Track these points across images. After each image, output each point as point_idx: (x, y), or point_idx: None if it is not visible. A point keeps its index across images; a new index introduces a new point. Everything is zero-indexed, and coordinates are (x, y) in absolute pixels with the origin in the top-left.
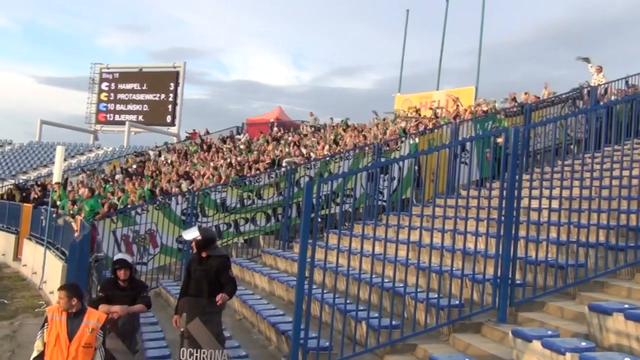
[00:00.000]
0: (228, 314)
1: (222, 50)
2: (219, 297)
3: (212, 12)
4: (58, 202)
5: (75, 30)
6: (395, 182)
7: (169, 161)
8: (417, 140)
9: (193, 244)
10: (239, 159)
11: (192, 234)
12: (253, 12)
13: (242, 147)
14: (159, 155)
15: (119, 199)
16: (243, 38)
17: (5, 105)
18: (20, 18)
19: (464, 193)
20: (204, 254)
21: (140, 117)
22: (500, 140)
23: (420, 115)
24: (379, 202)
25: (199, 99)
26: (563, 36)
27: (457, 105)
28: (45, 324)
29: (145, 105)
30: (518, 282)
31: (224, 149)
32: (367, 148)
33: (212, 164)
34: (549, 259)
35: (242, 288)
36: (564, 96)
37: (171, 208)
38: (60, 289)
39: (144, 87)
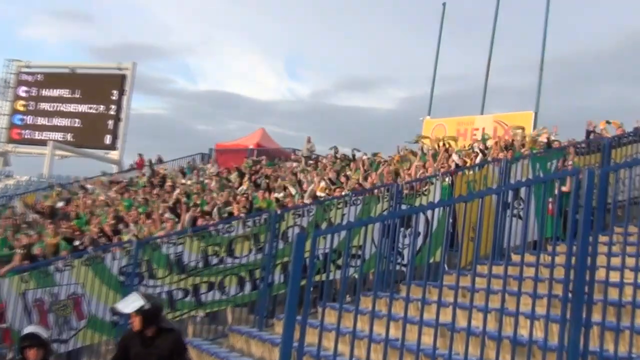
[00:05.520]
0: None
1: (191, 50)
2: None
3: None
4: None
5: None
6: (420, 240)
7: (104, 199)
8: (450, 180)
9: (135, 318)
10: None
11: (133, 303)
12: (235, 0)
13: (207, 181)
14: (87, 191)
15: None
16: (220, 34)
17: None
18: None
19: (516, 258)
20: (149, 332)
21: (69, 136)
22: (566, 188)
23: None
24: (398, 267)
25: (155, 114)
26: None
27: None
28: None
29: (77, 120)
30: None
31: (183, 184)
32: (380, 190)
33: (164, 204)
34: (633, 355)
35: None
36: None
37: (105, 264)
38: None
39: (77, 95)
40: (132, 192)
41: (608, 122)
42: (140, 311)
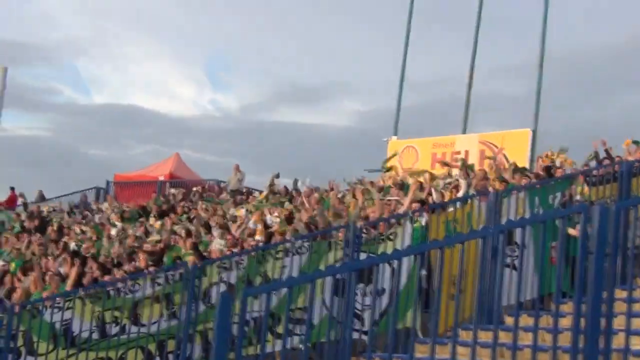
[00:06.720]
0: None
1: (82, 50)
2: None
3: None
4: None
5: None
6: (385, 299)
7: None
8: (424, 221)
9: None
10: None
11: None
12: None
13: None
14: None
15: None
16: (120, 29)
17: None
18: None
19: (509, 321)
20: None
21: None
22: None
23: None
24: (356, 335)
25: (32, 136)
26: None
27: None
28: None
29: None
30: None
31: (74, 230)
32: (337, 234)
33: (51, 256)
34: None
35: None
36: None
37: None
38: None
39: None
40: (4, 240)
41: (636, 142)
42: None
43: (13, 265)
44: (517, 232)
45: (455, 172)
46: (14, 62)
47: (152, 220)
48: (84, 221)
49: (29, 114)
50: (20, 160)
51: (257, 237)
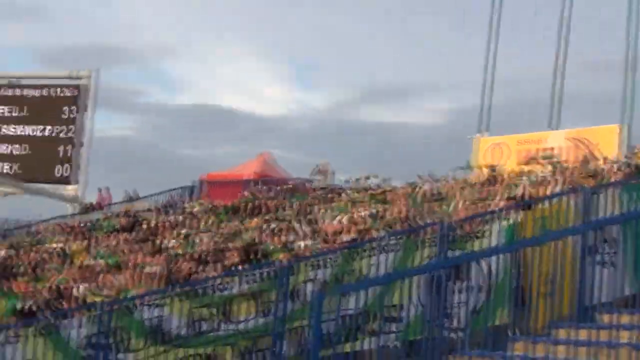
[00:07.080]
0: None
1: (169, 52)
2: None
3: None
4: None
5: None
6: (478, 296)
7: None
8: (515, 220)
9: None
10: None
11: None
12: None
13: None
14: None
15: None
16: (206, 31)
17: None
18: None
19: (606, 319)
20: None
21: (13, 168)
22: None
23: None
24: (449, 333)
25: (124, 136)
26: None
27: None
28: None
29: (22, 146)
30: None
31: (164, 228)
32: (427, 232)
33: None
34: None
35: None
36: None
37: (61, 334)
38: None
39: (20, 114)
40: (103, 238)
41: None
42: None
43: (106, 262)
44: (614, 231)
45: (543, 169)
46: (104, 65)
47: (242, 218)
48: (174, 220)
49: (119, 114)
50: (110, 160)
51: (348, 236)
